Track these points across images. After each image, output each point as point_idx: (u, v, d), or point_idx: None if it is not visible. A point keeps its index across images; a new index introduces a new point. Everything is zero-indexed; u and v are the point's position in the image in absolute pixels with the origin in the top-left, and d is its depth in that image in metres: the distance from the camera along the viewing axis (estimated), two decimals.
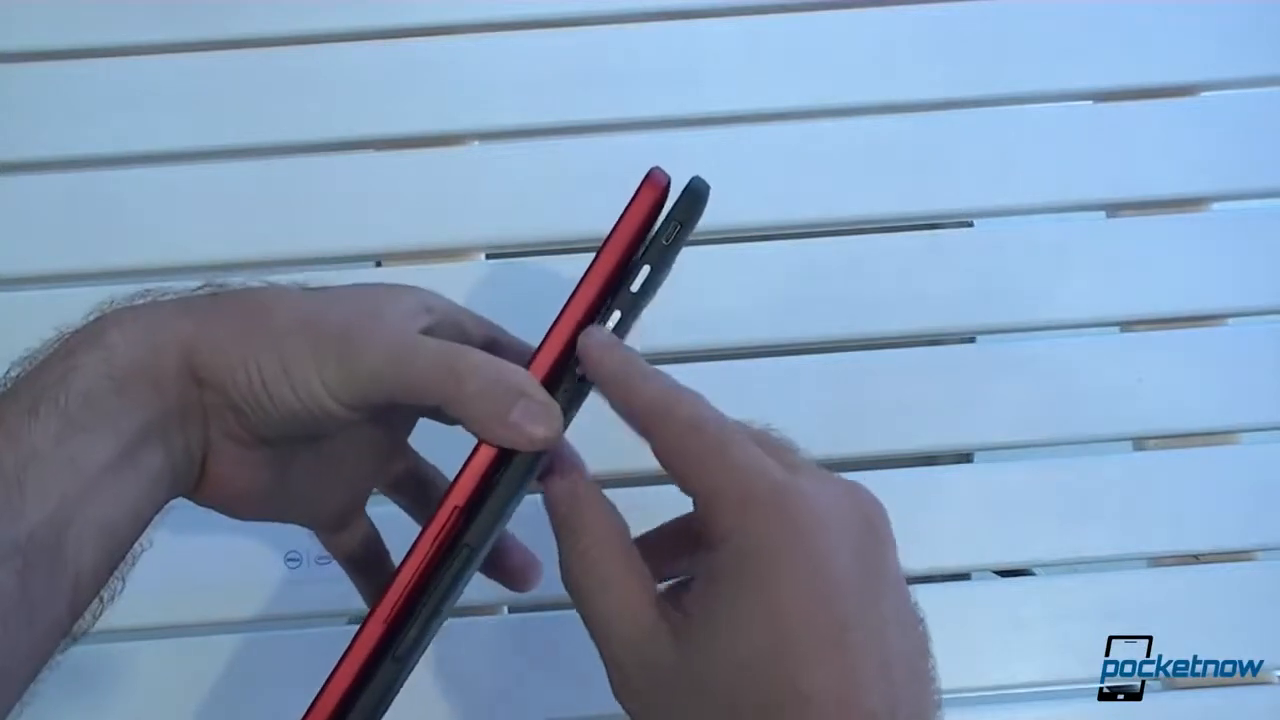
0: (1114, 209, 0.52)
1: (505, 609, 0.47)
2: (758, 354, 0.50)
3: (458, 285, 0.49)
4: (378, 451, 0.34)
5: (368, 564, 0.35)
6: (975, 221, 0.53)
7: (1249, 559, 0.48)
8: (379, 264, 0.51)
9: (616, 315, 0.29)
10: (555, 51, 0.52)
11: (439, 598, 0.27)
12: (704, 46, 0.53)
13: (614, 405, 0.29)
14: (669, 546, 0.30)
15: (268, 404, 0.28)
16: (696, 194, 0.29)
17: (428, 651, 0.46)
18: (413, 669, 0.28)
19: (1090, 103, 0.53)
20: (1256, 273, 0.51)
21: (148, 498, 0.27)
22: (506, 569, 0.36)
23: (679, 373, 0.28)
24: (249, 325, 0.28)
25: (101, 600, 0.28)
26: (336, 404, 0.28)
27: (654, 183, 0.29)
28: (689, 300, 0.48)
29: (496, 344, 0.34)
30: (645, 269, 0.29)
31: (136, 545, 0.28)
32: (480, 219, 0.51)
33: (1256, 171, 0.52)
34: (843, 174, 0.51)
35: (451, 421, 0.31)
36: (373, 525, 0.35)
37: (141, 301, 0.29)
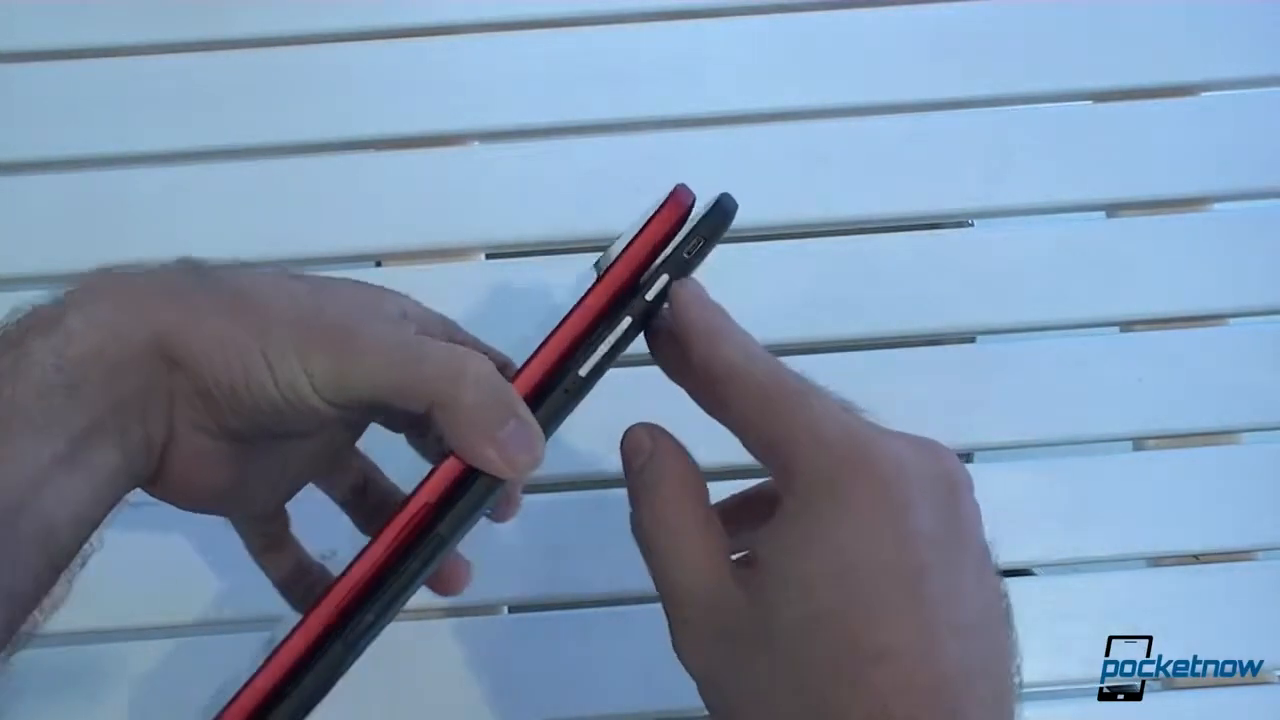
0: (1114, 209, 0.52)
1: (505, 609, 0.47)
2: None
3: (458, 285, 0.49)
4: (333, 451, 0.33)
5: (278, 547, 0.35)
6: (975, 221, 0.53)
7: (1249, 559, 0.48)
8: (379, 264, 0.51)
9: (627, 321, 0.28)
10: (555, 51, 0.52)
11: (399, 588, 0.26)
12: (705, 46, 0.53)
13: (674, 367, 0.28)
14: (744, 516, 0.29)
15: (244, 394, 0.26)
16: (725, 212, 0.29)
17: (428, 651, 0.46)
18: (358, 658, 0.27)
19: (1090, 103, 0.53)
20: (1256, 273, 0.51)
21: (95, 498, 0.26)
22: (436, 573, 0.34)
23: None
24: (234, 310, 0.27)
25: (43, 607, 0.26)
26: (321, 401, 0.27)
27: (678, 202, 0.29)
28: None
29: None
30: (664, 279, 0.28)
31: (86, 546, 0.27)
32: (480, 219, 0.51)
33: (1256, 171, 0.52)
34: (843, 174, 0.51)
35: (402, 429, 0.30)
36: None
37: (112, 276, 0.28)
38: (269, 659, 0.26)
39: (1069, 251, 0.51)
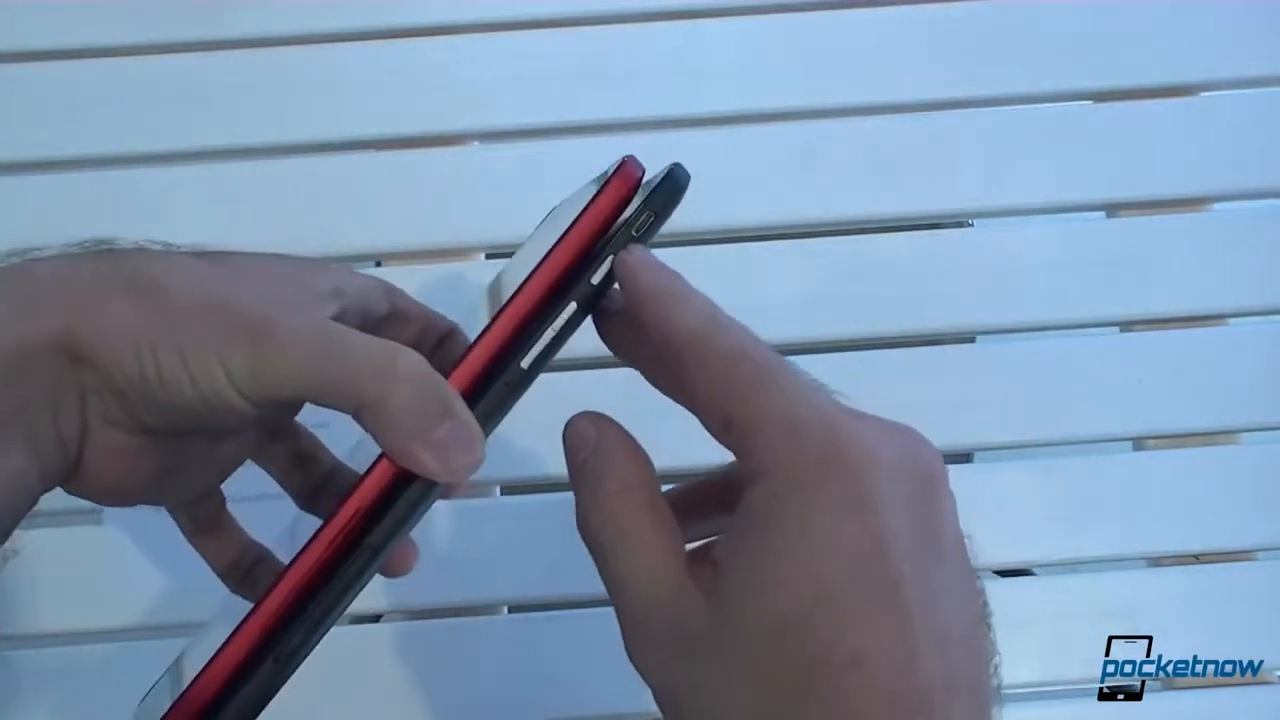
0: (1114, 209, 0.52)
1: (505, 608, 0.47)
2: None
3: (458, 285, 0.49)
4: (261, 435, 0.31)
5: (212, 529, 0.32)
6: (975, 221, 0.53)
7: (1249, 559, 0.48)
8: (379, 264, 0.51)
9: (572, 307, 0.26)
10: (555, 51, 0.52)
11: (330, 603, 0.25)
12: (704, 46, 0.53)
13: (624, 346, 0.26)
14: (700, 504, 0.27)
15: (159, 394, 0.24)
16: (676, 183, 0.26)
17: (428, 651, 0.46)
18: (293, 673, 0.25)
19: (1090, 103, 0.53)
20: (1256, 273, 0.51)
21: (3, 504, 0.24)
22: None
23: None
24: (143, 300, 0.24)
25: None
26: (241, 400, 0.24)
27: (627, 175, 0.26)
28: None
29: (401, 314, 0.32)
30: (610, 259, 0.26)
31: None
32: (480, 219, 0.51)
33: (1256, 171, 0.52)
34: (843, 174, 0.51)
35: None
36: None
37: (10, 266, 0.25)
38: (197, 678, 0.24)
39: (1069, 251, 0.51)
